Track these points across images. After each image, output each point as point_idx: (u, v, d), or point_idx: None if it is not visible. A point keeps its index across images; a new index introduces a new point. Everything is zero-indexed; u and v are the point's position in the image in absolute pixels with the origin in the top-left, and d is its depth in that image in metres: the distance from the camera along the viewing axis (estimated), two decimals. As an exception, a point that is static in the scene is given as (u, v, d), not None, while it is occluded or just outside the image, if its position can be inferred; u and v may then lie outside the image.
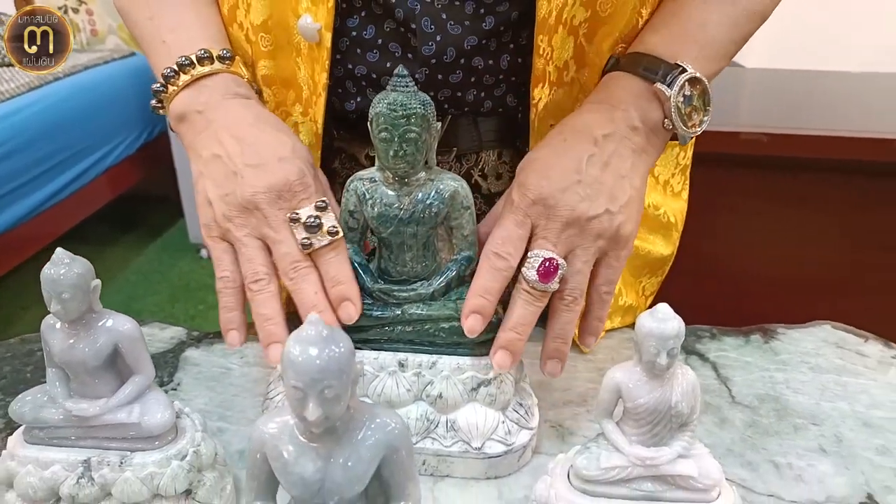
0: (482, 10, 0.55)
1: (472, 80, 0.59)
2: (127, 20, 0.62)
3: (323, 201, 0.50)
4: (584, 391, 0.61)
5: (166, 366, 0.65)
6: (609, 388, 0.42)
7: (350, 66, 0.59)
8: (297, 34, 0.56)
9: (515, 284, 0.49)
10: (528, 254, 0.49)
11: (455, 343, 0.51)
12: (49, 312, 0.43)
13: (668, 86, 0.51)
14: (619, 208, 0.50)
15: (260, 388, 0.61)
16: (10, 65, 2.29)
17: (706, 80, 0.53)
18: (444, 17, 0.55)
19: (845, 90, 1.71)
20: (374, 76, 0.59)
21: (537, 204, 0.49)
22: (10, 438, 0.47)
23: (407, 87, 0.46)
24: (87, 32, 3.04)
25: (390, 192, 0.49)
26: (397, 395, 0.51)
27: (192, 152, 0.55)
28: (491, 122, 0.64)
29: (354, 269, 0.51)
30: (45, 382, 0.46)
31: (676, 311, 0.40)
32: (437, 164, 0.50)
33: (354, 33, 0.58)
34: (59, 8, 2.89)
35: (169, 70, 0.55)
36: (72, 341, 0.43)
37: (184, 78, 0.55)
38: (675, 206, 0.70)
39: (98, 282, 0.43)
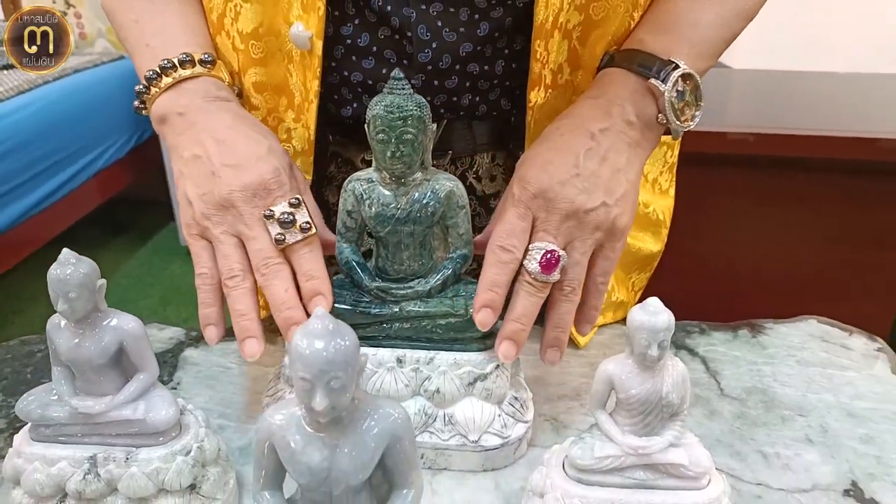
0: (477, 17, 0.56)
1: (468, 85, 0.60)
2: (113, 22, 0.62)
3: (297, 198, 0.50)
4: (577, 385, 0.63)
5: (166, 365, 0.66)
6: (602, 379, 0.43)
7: (346, 73, 0.60)
8: (288, 41, 0.56)
9: (518, 277, 0.51)
10: (530, 246, 0.50)
11: (452, 339, 0.52)
12: (44, 314, 0.44)
13: (663, 81, 0.53)
14: (615, 201, 0.51)
15: (259, 386, 0.62)
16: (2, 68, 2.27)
17: (698, 77, 0.54)
18: (439, 24, 0.56)
19: (831, 91, 1.73)
20: (370, 83, 0.60)
21: (538, 197, 0.50)
22: (16, 436, 0.47)
23: (403, 89, 0.47)
24: (75, 36, 3.02)
25: (387, 193, 0.50)
26: (396, 390, 0.52)
27: (173, 153, 0.55)
28: (485, 126, 0.66)
29: (353, 267, 0.52)
30: (46, 383, 0.47)
31: (666, 307, 0.41)
32: (433, 167, 0.51)
33: (349, 41, 0.59)
34: (48, 11, 2.86)
35: (151, 72, 0.56)
36: (77, 340, 0.44)
37: (166, 80, 0.56)
38: (663, 204, 0.71)
39: (104, 281, 0.44)
